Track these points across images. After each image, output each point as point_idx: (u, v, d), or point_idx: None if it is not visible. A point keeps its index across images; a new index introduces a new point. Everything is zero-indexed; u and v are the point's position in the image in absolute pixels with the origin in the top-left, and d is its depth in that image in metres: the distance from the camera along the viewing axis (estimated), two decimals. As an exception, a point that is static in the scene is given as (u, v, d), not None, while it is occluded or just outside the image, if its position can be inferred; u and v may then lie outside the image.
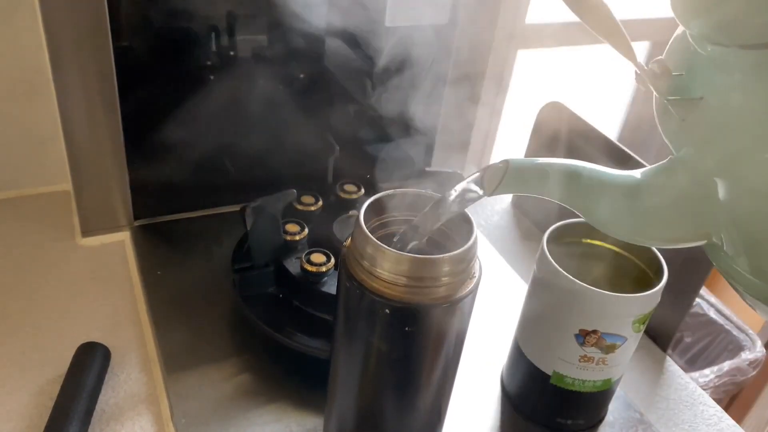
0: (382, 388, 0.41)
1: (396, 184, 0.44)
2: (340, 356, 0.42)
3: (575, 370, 0.49)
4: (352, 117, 0.72)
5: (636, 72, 0.33)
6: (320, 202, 0.62)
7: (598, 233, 0.51)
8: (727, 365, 1.01)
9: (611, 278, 0.51)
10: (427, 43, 0.65)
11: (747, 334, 1.08)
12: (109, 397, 0.52)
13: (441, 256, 0.36)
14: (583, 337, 0.47)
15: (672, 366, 0.63)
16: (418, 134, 0.69)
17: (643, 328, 0.48)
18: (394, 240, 0.40)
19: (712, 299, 1.14)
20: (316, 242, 0.57)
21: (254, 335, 0.57)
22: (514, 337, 0.54)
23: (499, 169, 0.36)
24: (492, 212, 0.82)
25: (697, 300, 1.14)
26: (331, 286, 0.54)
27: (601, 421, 0.54)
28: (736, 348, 1.08)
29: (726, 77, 0.31)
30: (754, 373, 1.03)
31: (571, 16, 0.33)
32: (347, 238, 0.39)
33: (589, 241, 0.52)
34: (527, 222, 0.81)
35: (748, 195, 0.31)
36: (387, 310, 0.37)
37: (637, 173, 0.36)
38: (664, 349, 0.64)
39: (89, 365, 0.52)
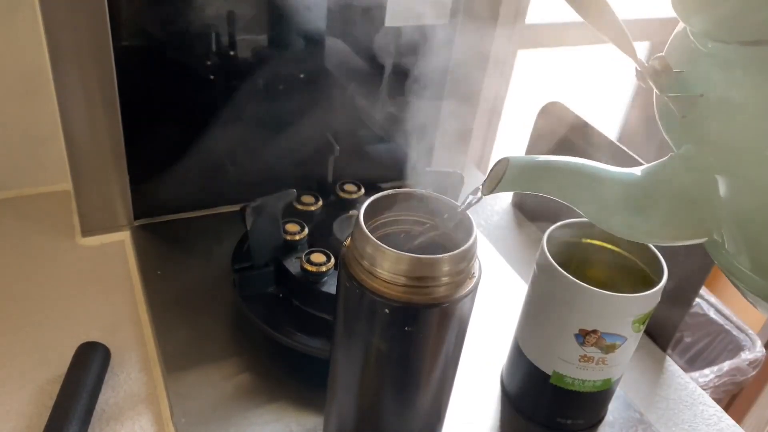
0: (382, 388, 0.41)
1: (396, 184, 0.44)
2: (340, 356, 0.42)
3: (575, 369, 0.49)
4: (352, 117, 0.72)
5: (637, 69, 0.33)
6: (320, 202, 0.62)
7: (598, 233, 0.51)
8: (726, 365, 1.01)
9: (611, 278, 0.51)
10: (428, 43, 0.65)
11: (747, 334, 1.08)
12: (109, 396, 0.52)
13: (441, 256, 0.36)
14: (583, 336, 0.47)
15: (672, 366, 0.63)
16: (418, 134, 0.69)
17: (643, 328, 0.48)
18: (401, 236, 0.40)
19: (712, 299, 1.14)
20: (316, 242, 0.58)
21: (254, 335, 0.57)
22: (514, 337, 0.54)
23: (499, 166, 0.36)
24: (492, 212, 0.82)
25: (697, 300, 1.14)
26: (331, 286, 0.54)
27: (601, 421, 0.54)
28: (735, 348, 1.08)
29: (726, 74, 0.31)
30: (754, 373, 1.03)
31: (571, 16, 0.33)
32: (347, 238, 0.39)
33: (589, 241, 0.52)
34: (527, 222, 0.81)
35: (748, 191, 0.31)
36: (387, 310, 0.37)
37: (637, 170, 0.36)
38: (664, 349, 0.64)
39: (89, 365, 0.52)
